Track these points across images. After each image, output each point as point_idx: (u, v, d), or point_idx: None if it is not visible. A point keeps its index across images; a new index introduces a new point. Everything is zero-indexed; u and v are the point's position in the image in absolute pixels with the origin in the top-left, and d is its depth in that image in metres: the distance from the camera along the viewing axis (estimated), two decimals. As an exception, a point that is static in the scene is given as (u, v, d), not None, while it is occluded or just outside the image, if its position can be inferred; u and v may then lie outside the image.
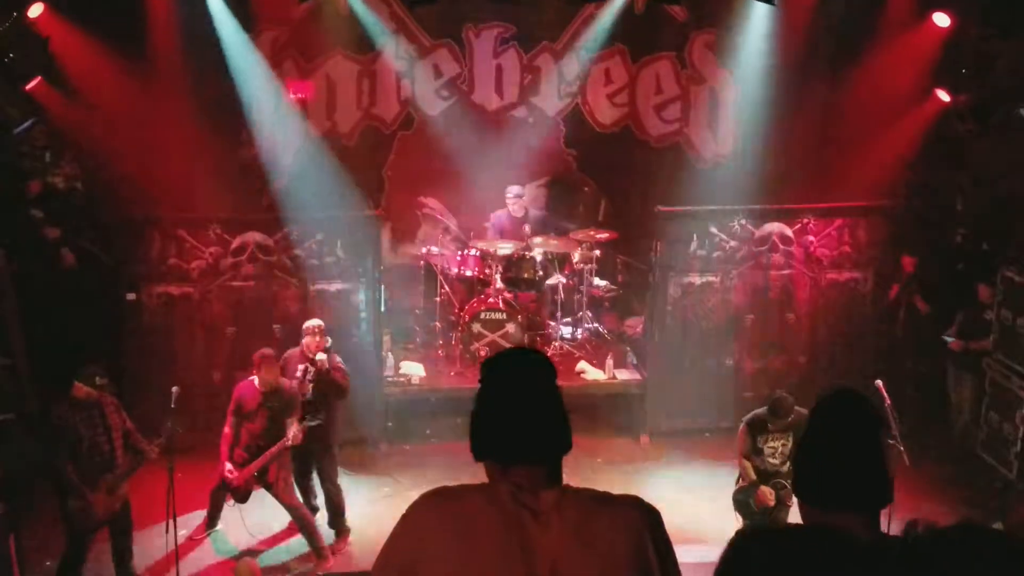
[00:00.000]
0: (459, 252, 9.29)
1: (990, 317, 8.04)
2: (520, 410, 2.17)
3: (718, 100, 10.08)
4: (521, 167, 9.91)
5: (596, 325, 9.68)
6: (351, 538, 7.11)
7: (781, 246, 8.66)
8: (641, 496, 2.21)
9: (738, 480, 6.71)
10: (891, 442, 6.16)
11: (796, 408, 6.37)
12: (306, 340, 6.88)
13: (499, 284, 8.90)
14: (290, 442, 6.55)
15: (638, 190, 9.66)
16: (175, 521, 6.11)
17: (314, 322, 6.97)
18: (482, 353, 8.63)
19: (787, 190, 9.14)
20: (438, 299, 9.23)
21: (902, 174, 8.85)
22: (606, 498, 2.17)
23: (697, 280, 8.63)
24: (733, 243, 8.59)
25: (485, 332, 8.75)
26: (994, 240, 9.02)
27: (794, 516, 2.23)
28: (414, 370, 8.81)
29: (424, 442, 8.64)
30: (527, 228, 9.24)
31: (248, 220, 8.37)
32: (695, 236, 8.55)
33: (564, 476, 2.22)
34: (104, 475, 6.02)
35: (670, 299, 8.61)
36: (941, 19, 8.46)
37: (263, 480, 6.60)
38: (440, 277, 9.23)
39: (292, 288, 8.30)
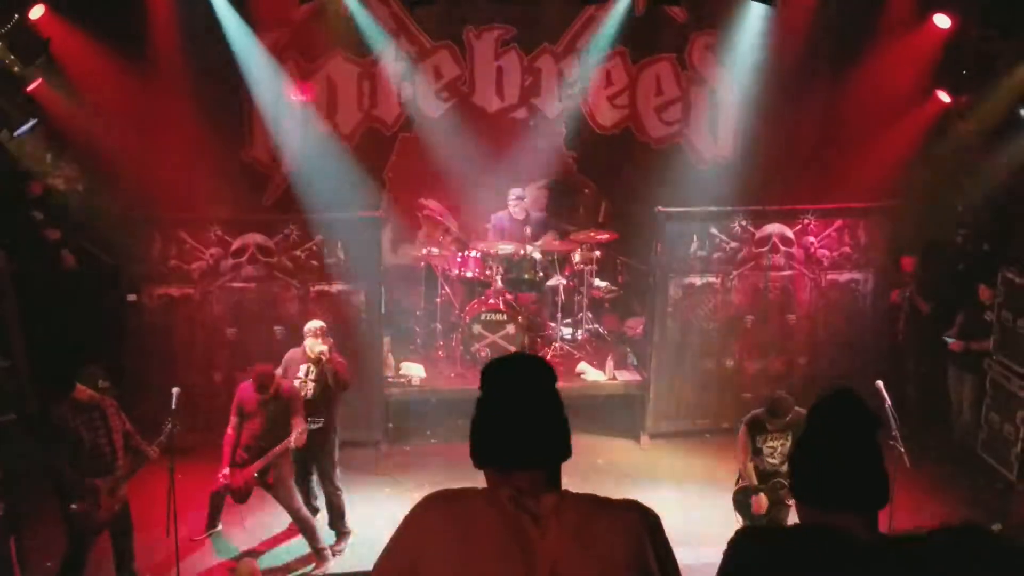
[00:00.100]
0: (459, 253, 9.30)
1: (991, 318, 8.05)
2: (520, 416, 2.17)
3: (718, 101, 10.09)
4: (521, 169, 9.91)
5: (596, 326, 9.68)
6: (351, 539, 7.10)
7: (781, 247, 8.66)
8: (641, 497, 2.21)
9: (738, 480, 6.71)
10: (892, 443, 6.16)
11: (795, 408, 6.37)
12: (308, 342, 6.87)
13: (499, 285, 8.90)
14: (293, 444, 6.55)
15: (638, 191, 9.66)
16: (176, 522, 6.11)
17: (316, 323, 6.97)
18: (482, 354, 8.64)
19: (787, 191, 9.14)
20: (439, 300, 9.24)
21: (903, 175, 8.85)
22: (605, 502, 2.18)
23: (697, 281, 8.63)
24: (733, 244, 8.59)
25: (486, 333, 8.75)
26: (995, 241, 9.03)
27: (795, 516, 2.23)
28: (414, 371, 8.81)
29: (424, 443, 8.64)
30: (528, 230, 9.25)
31: (249, 221, 8.37)
32: (695, 237, 8.55)
33: (564, 477, 2.22)
34: (105, 477, 6.02)
35: (670, 300, 8.61)
36: (942, 20, 8.47)
37: (263, 481, 6.60)
38: (441, 278, 9.23)
39: (293, 289, 8.30)
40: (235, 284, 8.25)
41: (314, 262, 8.28)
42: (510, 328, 8.71)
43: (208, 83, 8.93)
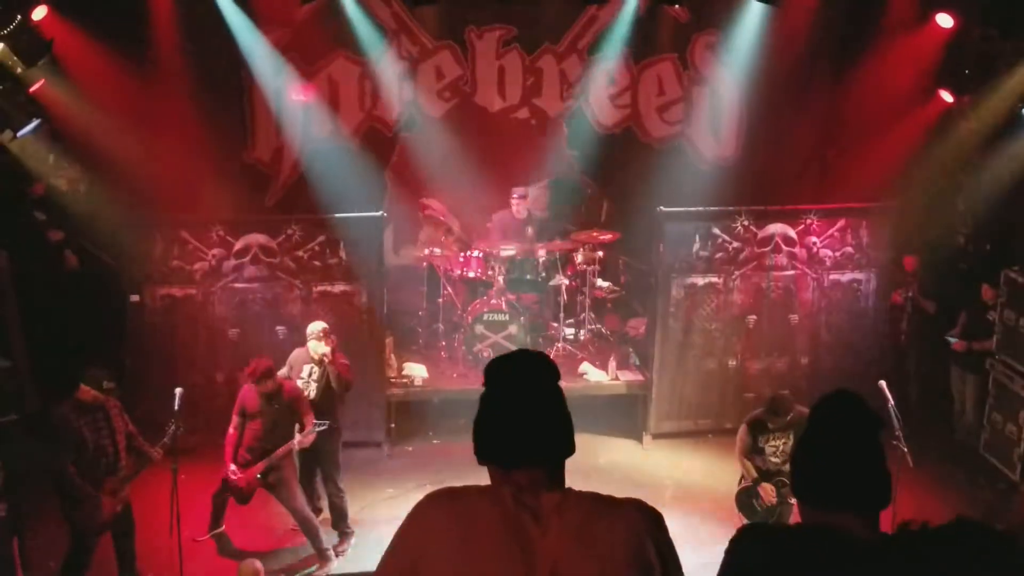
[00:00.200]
0: (462, 253, 9.30)
1: (993, 318, 8.04)
2: (522, 413, 2.17)
3: (720, 101, 10.09)
4: (523, 169, 9.92)
5: (599, 326, 9.68)
6: (354, 540, 7.10)
7: (784, 247, 8.65)
8: (643, 497, 2.20)
9: (740, 480, 6.71)
10: (894, 443, 6.16)
11: (796, 406, 6.36)
12: (311, 343, 6.87)
13: (502, 285, 8.90)
14: (297, 446, 6.55)
15: (640, 191, 9.66)
16: (179, 522, 6.11)
17: (319, 325, 6.96)
18: (485, 354, 8.64)
19: (789, 191, 9.15)
20: (441, 300, 9.24)
21: (905, 174, 8.84)
22: (607, 501, 2.17)
23: (700, 281, 8.62)
24: (736, 244, 8.58)
25: (488, 333, 8.76)
26: (997, 240, 9.02)
27: (797, 514, 2.23)
28: (417, 371, 8.81)
29: (427, 443, 8.64)
30: (530, 230, 9.25)
31: (251, 222, 8.37)
32: (697, 237, 8.54)
33: (567, 477, 2.22)
34: (108, 478, 6.02)
35: (672, 300, 8.60)
36: (944, 20, 8.46)
37: (266, 482, 6.60)
38: (443, 278, 9.23)
39: (295, 290, 8.31)
40: (237, 284, 8.26)
41: (316, 262, 8.29)
42: (512, 328, 8.72)
43: (210, 84, 8.95)
